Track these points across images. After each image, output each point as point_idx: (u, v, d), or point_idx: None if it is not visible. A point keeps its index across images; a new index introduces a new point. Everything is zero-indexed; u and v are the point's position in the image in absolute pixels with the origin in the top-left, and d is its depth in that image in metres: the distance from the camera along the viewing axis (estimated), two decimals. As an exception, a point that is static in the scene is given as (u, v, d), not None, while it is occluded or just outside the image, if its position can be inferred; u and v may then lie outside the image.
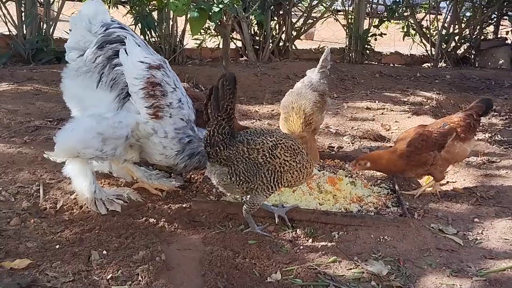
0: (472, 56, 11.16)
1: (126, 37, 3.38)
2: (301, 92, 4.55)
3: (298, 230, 3.44)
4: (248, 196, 3.28)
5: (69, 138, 3.32)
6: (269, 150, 3.15)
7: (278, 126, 5.20)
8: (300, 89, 4.65)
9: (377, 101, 6.70)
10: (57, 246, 3.07)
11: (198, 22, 6.14)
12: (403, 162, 3.89)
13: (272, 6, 9.14)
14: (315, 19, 10.12)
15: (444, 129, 3.96)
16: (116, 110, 3.38)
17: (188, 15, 6.28)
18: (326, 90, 4.80)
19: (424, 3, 11.25)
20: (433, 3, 10.73)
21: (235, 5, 6.52)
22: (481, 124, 6.08)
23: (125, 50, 3.33)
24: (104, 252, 3.03)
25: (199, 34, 8.79)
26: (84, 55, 3.37)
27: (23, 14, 7.92)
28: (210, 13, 6.03)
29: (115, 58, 3.36)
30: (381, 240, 3.37)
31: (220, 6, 6.01)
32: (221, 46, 8.99)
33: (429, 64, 10.67)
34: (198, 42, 9.29)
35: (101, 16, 3.43)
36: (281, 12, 9.52)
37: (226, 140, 3.09)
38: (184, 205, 3.69)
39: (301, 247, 3.26)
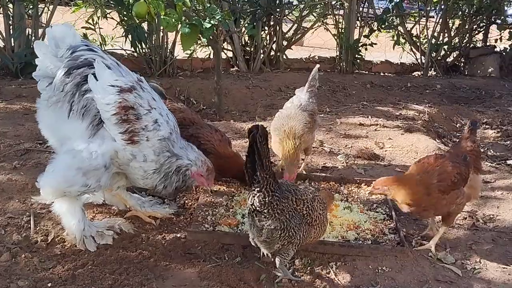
0: (462, 64, 11.25)
1: (94, 60, 3.20)
2: (291, 113, 4.53)
3: (295, 260, 3.38)
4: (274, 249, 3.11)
5: (52, 180, 3.20)
6: (311, 202, 3.09)
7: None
8: (289, 109, 4.62)
9: (369, 116, 6.68)
10: (49, 285, 2.99)
11: (189, 38, 6.07)
12: (431, 197, 3.39)
13: (263, 17, 9.10)
14: (305, 29, 10.10)
15: (467, 162, 3.51)
16: (89, 138, 3.22)
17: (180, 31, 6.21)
18: (315, 109, 4.78)
19: (414, 12, 11.29)
20: (422, 12, 10.76)
21: (226, 20, 6.46)
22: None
23: (94, 75, 3.17)
24: (98, 290, 2.96)
25: (189, 46, 8.75)
26: (52, 84, 3.20)
27: (11, 27, 7.80)
28: (202, 29, 5.98)
29: (84, 84, 3.18)
30: (379, 271, 3.32)
31: (212, 22, 5.95)
32: (211, 56, 8.94)
33: (419, 73, 10.71)
34: (189, 52, 9.23)
35: (70, 40, 3.25)
36: (271, 23, 9.48)
37: (277, 193, 2.93)
38: (178, 235, 3.62)
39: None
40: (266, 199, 2.87)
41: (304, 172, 4.70)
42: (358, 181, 4.50)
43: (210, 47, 9.14)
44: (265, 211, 2.90)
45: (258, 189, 2.85)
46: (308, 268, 3.33)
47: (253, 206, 2.91)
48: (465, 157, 3.54)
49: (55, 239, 3.46)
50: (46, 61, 3.23)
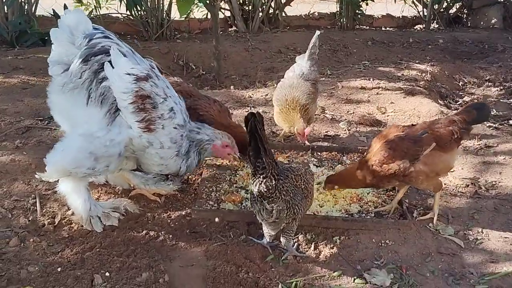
0: (465, 16, 11.03)
1: (110, 47, 3.19)
2: (293, 83, 4.49)
3: (299, 236, 3.43)
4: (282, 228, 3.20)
5: (61, 159, 3.21)
6: (304, 175, 3.14)
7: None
8: (291, 79, 4.57)
9: (371, 78, 6.59)
10: (59, 269, 3.04)
11: (185, 2, 5.94)
12: (372, 174, 3.47)
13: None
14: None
15: (420, 138, 3.43)
16: (107, 126, 3.24)
17: (176, -4, 6.06)
18: (317, 78, 4.75)
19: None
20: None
21: (223, -17, 6.31)
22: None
23: (110, 63, 3.16)
24: (107, 274, 3.01)
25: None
26: (69, 70, 3.18)
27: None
28: (198, -7, 5.85)
29: (102, 72, 3.17)
30: (383, 244, 3.37)
31: (209, -14, 5.82)
32: (209, 16, 8.77)
33: (421, 26, 10.52)
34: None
35: (83, 26, 3.22)
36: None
37: (281, 176, 2.97)
38: (183, 213, 3.65)
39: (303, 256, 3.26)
40: (273, 183, 2.89)
41: (307, 142, 4.69)
42: (360, 150, 4.49)
43: (207, 7, 8.99)
44: (273, 195, 2.93)
45: (264, 175, 2.87)
46: (312, 243, 3.37)
47: (260, 193, 2.92)
48: (422, 133, 3.43)
49: (62, 222, 3.50)
50: (61, 49, 3.20)
